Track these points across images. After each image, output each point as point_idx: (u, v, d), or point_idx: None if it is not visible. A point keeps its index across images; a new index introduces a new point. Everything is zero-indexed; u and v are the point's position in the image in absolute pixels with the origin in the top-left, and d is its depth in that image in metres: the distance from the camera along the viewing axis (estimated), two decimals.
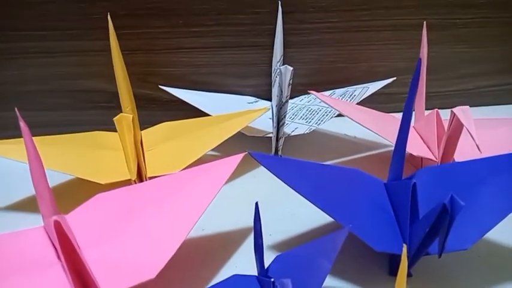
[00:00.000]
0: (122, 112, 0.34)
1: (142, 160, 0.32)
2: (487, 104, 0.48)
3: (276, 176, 0.28)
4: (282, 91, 0.35)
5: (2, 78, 0.40)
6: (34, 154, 0.25)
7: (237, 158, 0.29)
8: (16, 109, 0.24)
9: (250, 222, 0.33)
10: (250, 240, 0.32)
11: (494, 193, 0.27)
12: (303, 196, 0.27)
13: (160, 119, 0.40)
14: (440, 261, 0.29)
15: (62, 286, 0.22)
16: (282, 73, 0.34)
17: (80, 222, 0.25)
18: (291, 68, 0.34)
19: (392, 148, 0.42)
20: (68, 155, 0.33)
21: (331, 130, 0.44)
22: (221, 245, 0.32)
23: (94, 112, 0.42)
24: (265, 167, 0.28)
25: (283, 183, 0.28)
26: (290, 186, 0.28)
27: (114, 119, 0.30)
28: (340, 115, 0.40)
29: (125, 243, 0.25)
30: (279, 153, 0.40)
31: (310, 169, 0.29)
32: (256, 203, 0.25)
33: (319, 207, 0.27)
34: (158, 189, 0.28)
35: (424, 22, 0.36)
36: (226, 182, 0.29)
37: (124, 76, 0.35)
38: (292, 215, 0.34)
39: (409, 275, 0.29)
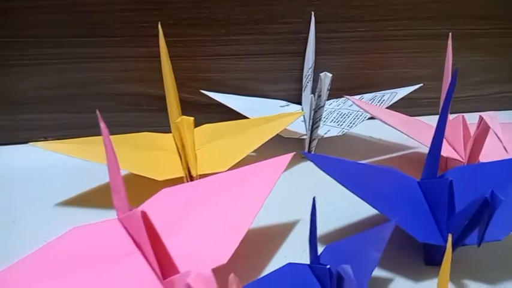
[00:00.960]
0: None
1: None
2: (498, 108, 0.51)
3: (326, 173, 0.31)
4: (319, 96, 0.38)
5: (51, 82, 0.42)
6: (111, 152, 0.27)
7: (287, 157, 0.32)
8: (97, 111, 0.27)
9: (293, 217, 0.37)
10: (294, 233, 0.35)
11: None
12: (351, 191, 0.30)
13: (199, 122, 0.43)
14: (474, 252, 0.32)
15: (144, 272, 0.25)
16: (322, 79, 0.37)
17: (152, 214, 0.27)
18: (331, 75, 0.37)
19: (416, 150, 0.44)
20: (124, 154, 0.35)
21: (357, 133, 0.47)
22: (269, 238, 0.34)
23: (135, 114, 0.45)
24: (316, 165, 0.31)
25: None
26: (340, 183, 0.30)
27: (176, 120, 0.33)
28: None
29: (193, 233, 0.27)
30: (312, 152, 0.43)
31: (355, 167, 0.32)
32: (314, 198, 0.28)
33: (367, 202, 0.30)
34: (217, 186, 0.30)
35: (450, 33, 0.39)
36: None
37: (172, 81, 0.38)
38: (333, 209, 0.36)
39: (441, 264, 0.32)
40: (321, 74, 0.37)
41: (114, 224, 0.28)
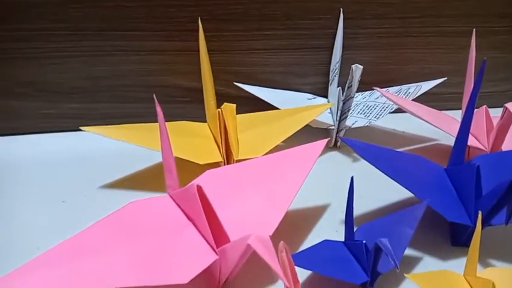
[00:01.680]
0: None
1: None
2: None
3: (361, 155, 0.33)
4: (349, 86, 0.41)
5: (93, 73, 0.45)
6: (165, 134, 0.30)
7: (322, 143, 0.34)
8: (154, 96, 0.29)
9: (324, 201, 0.39)
10: (326, 215, 0.37)
11: None
12: (386, 174, 0.32)
13: None
14: (501, 232, 0.34)
15: (199, 243, 0.27)
16: (353, 70, 0.39)
17: None
18: (362, 67, 0.39)
19: (438, 142, 0.46)
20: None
21: (381, 126, 0.49)
22: (303, 219, 0.37)
23: (171, 106, 0.47)
24: (354, 149, 0.33)
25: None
26: (374, 165, 0.33)
27: (222, 107, 0.35)
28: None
29: (240, 208, 0.30)
30: (338, 144, 0.45)
31: (386, 151, 0.34)
32: (352, 177, 0.30)
33: (399, 182, 0.32)
34: (258, 167, 0.33)
35: (474, 29, 0.41)
36: None
37: (209, 73, 0.41)
38: (360, 196, 0.38)
39: (469, 245, 0.34)
40: (353, 66, 0.39)
41: (166, 199, 0.30)
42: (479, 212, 0.28)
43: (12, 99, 0.45)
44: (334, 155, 0.45)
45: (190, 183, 0.27)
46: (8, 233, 0.34)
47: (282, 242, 0.24)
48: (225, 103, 0.36)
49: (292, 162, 0.33)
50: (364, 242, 0.29)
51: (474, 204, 0.32)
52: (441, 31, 0.48)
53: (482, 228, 0.32)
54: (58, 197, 0.38)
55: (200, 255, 0.26)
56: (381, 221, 0.32)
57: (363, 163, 0.35)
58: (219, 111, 0.35)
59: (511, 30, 0.50)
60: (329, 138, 0.35)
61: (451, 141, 0.42)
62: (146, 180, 0.40)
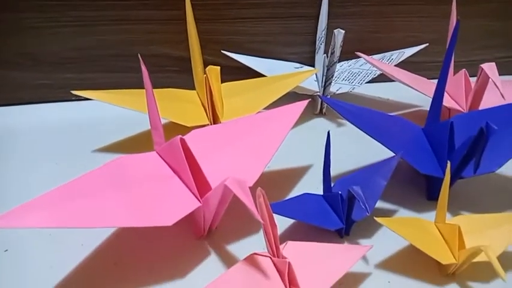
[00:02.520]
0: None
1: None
2: (504, 73, 0.54)
3: (340, 113, 0.35)
4: (332, 52, 0.42)
5: (84, 44, 0.46)
6: (150, 93, 0.32)
7: (303, 103, 0.36)
8: (139, 55, 0.31)
9: (307, 162, 0.41)
10: (308, 175, 0.39)
11: None
12: (364, 132, 0.34)
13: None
14: (472, 186, 0.36)
15: (183, 191, 0.29)
16: (335, 35, 0.41)
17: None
18: (343, 32, 0.40)
19: (421, 108, 0.48)
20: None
21: (367, 94, 0.51)
22: (286, 178, 0.39)
23: (161, 75, 0.49)
24: (333, 108, 0.35)
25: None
26: (352, 122, 0.34)
27: (207, 68, 0.37)
28: (372, 81, 0.47)
29: (223, 161, 0.32)
30: (324, 111, 0.47)
31: (366, 111, 0.36)
32: (328, 132, 0.32)
33: (375, 139, 0.34)
34: (241, 125, 0.35)
35: None
36: None
37: (197, 41, 0.42)
38: (343, 159, 0.40)
39: None
40: (335, 31, 0.41)
41: (153, 155, 0.32)
42: (448, 162, 0.30)
43: (6, 70, 0.46)
44: (320, 121, 0.47)
45: (173, 138, 0.29)
46: (4, 193, 0.37)
47: (259, 188, 0.26)
48: (210, 66, 0.37)
49: (274, 121, 0.35)
50: (339, 192, 0.31)
51: (447, 159, 0.34)
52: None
53: (454, 181, 0.34)
54: (52, 160, 0.40)
55: (184, 202, 0.29)
56: (357, 174, 0.34)
57: (348, 128, 0.37)
58: (201, 79, 0.37)
59: None
60: (310, 100, 0.37)
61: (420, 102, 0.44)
62: (137, 144, 0.42)
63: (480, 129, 0.30)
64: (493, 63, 0.38)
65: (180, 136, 0.29)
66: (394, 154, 0.34)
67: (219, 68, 0.37)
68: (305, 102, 0.36)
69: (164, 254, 0.31)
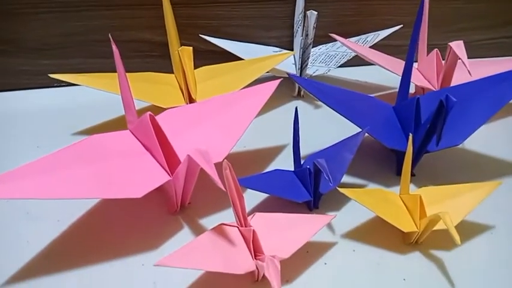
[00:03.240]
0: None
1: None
2: (481, 56, 0.55)
3: (310, 93, 0.36)
4: (307, 34, 0.43)
5: (65, 30, 0.47)
6: (122, 71, 0.33)
7: (275, 83, 0.37)
8: (110, 35, 0.32)
9: (283, 142, 0.42)
10: (283, 154, 0.41)
11: (479, 104, 0.35)
12: (332, 108, 0.35)
13: (198, 65, 0.48)
14: (435, 163, 0.37)
15: (154, 166, 0.31)
16: (308, 17, 0.42)
17: (160, 123, 0.32)
18: (316, 13, 0.41)
19: (396, 90, 0.49)
20: (133, 86, 0.39)
21: (346, 77, 0.52)
22: (262, 156, 0.40)
23: (141, 60, 0.50)
24: (302, 87, 0.36)
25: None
26: (323, 101, 0.36)
27: (179, 49, 0.38)
28: (351, 65, 0.48)
29: (195, 138, 0.33)
30: (301, 93, 0.48)
31: (337, 91, 0.37)
32: (296, 108, 0.33)
33: (344, 116, 0.35)
34: (213, 105, 0.36)
35: None
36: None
37: (173, 24, 0.43)
38: (317, 138, 0.41)
39: (412, 174, 0.37)
40: (307, 12, 0.42)
41: (126, 133, 0.33)
42: (410, 135, 0.31)
43: None
44: (298, 103, 0.48)
45: (143, 115, 0.30)
46: None
47: (225, 160, 0.27)
48: (182, 46, 0.38)
49: (245, 99, 0.36)
50: (308, 167, 0.33)
51: (413, 134, 0.35)
52: None
53: (420, 155, 0.36)
54: (33, 144, 0.41)
55: (154, 176, 0.30)
56: (326, 149, 0.35)
57: (324, 110, 0.38)
58: (177, 59, 0.38)
59: None
60: (281, 79, 0.38)
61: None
62: (115, 126, 0.42)
63: (440, 102, 0.31)
64: (461, 42, 0.39)
65: (150, 113, 0.30)
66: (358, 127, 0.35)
67: (191, 48, 0.38)
68: (276, 82, 0.37)
69: (138, 228, 0.33)
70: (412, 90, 0.49)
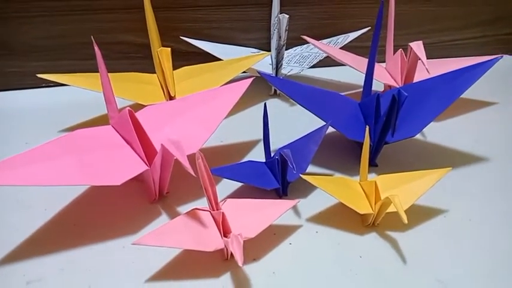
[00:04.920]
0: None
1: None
2: (449, 56, 0.59)
3: (279, 89, 0.39)
4: (280, 36, 0.46)
5: (51, 33, 0.50)
6: (104, 70, 0.36)
7: (248, 81, 0.41)
8: (92, 37, 0.35)
9: (258, 137, 0.45)
10: (257, 148, 0.44)
11: (433, 99, 0.39)
12: (299, 104, 0.39)
13: (179, 66, 0.51)
14: (398, 154, 0.41)
15: (133, 157, 0.34)
16: (280, 20, 0.45)
17: (139, 119, 0.35)
18: (287, 16, 0.45)
19: None
20: (116, 85, 0.42)
21: (320, 77, 0.56)
22: (237, 150, 0.43)
23: (126, 62, 0.53)
24: (272, 84, 0.39)
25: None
26: (290, 97, 0.39)
27: (158, 50, 0.41)
28: (326, 65, 0.52)
29: (172, 131, 0.36)
30: (277, 92, 0.52)
31: (305, 88, 0.40)
32: (265, 104, 0.36)
33: (311, 111, 0.39)
34: (189, 101, 0.39)
35: None
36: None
37: (154, 26, 0.46)
38: (291, 134, 0.44)
39: (375, 165, 0.41)
40: (280, 15, 0.45)
41: (107, 128, 0.37)
42: (366, 127, 0.34)
43: None
44: (274, 101, 0.52)
45: (123, 110, 0.33)
46: None
47: (198, 150, 0.30)
48: (161, 47, 0.42)
49: (220, 96, 0.39)
50: (277, 157, 0.36)
51: (374, 127, 0.38)
52: None
53: (380, 146, 0.39)
54: (22, 140, 0.44)
55: (133, 165, 0.33)
56: (294, 142, 0.38)
57: (297, 108, 0.41)
58: (158, 52, 0.41)
59: None
60: (254, 77, 0.41)
61: (379, 86, 0.49)
62: (99, 123, 0.45)
63: (392, 96, 0.34)
64: (420, 42, 0.42)
65: (129, 108, 0.33)
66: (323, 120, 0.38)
67: (169, 49, 0.41)
68: (249, 81, 0.41)
69: (119, 216, 0.36)
70: (381, 87, 0.53)
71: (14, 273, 0.31)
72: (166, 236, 0.30)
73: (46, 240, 0.34)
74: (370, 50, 0.40)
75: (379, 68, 0.50)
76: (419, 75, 0.45)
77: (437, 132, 0.45)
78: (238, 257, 0.27)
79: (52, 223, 0.35)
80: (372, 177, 0.37)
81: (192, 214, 0.31)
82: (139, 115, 0.36)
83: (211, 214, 0.31)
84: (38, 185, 0.30)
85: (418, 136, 0.44)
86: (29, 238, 0.34)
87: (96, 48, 0.35)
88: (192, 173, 0.29)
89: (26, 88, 0.52)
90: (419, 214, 0.36)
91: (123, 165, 0.33)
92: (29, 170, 0.30)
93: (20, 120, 0.47)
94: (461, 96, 0.39)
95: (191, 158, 0.31)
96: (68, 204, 0.36)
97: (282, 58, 0.49)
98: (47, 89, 0.52)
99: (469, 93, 0.42)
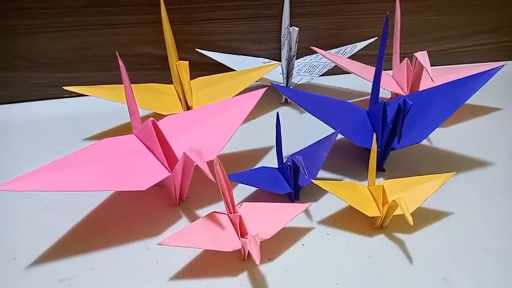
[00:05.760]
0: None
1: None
2: (454, 63, 0.61)
3: (290, 99, 0.41)
4: (290, 48, 0.49)
5: (75, 46, 0.53)
6: (128, 82, 0.38)
7: (261, 91, 0.43)
8: (117, 52, 0.38)
9: (269, 144, 0.47)
10: (270, 154, 0.46)
11: (437, 107, 0.41)
12: (309, 112, 0.41)
13: (195, 76, 0.54)
14: (405, 160, 0.43)
15: (156, 164, 0.36)
16: (291, 32, 0.48)
17: (160, 127, 0.38)
18: (297, 29, 0.47)
19: None
20: (137, 95, 0.45)
21: (329, 85, 0.58)
22: (250, 157, 0.46)
23: (143, 73, 0.56)
24: (283, 93, 0.41)
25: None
26: (300, 106, 0.41)
27: (177, 63, 0.43)
28: (334, 73, 0.54)
29: (191, 139, 0.38)
30: (288, 100, 0.54)
31: (315, 97, 0.43)
32: (277, 113, 0.39)
33: (319, 119, 0.41)
34: (206, 111, 0.42)
35: None
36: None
37: (172, 40, 0.49)
38: (302, 141, 0.46)
39: (382, 170, 0.43)
40: (290, 28, 0.48)
41: (131, 137, 0.39)
42: (374, 134, 0.36)
43: (6, 71, 0.53)
44: (285, 109, 0.54)
45: (146, 120, 0.36)
46: (11, 176, 0.43)
47: (216, 157, 0.32)
48: (180, 61, 0.44)
49: (235, 105, 0.42)
50: (289, 163, 0.38)
51: (381, 133, 0.40)
52: None
53: (387, 152, 0.41)
54: (51, 148, 0.47)
55: (156, 172, 0.35)
56: (305, 149, 0.41)
57: (307, 115, 0.43)
58: (176, 70, 0.44)
59: None
60: (266, 88, 0.44)
61: (386, 94, 0.51)
62: (121, 132, 0.48)
63: (398, 105, 0.36)
64: (425, 52, 0.44)
65: (152, 119, 0.35)
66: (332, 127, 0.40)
67: (187, 62, 0.44)
68: (262, 90, 0.43)
69: (142, 218, 0.38)
70: (389, 95, 0.55)
71: (47, 272, 0.34)
72: (188, 237, 0.32)
73: (76, 242, 0.36)
74: (377, 59, 0.42)
75: (386, 76, 0.52)
76: (425, 83, 0.47)
77: (442, 138, 0.47)
78: (256, 256, 0.29)
79: (81, 225, 0.37)
80: (380, 181, 0.39)
81: (211, 217, 0.34)
82: (160, 124, 0.39)
83: (228, 217, 0.34)
84: (69, 191, 0.33)
85: (424, 142, 0.46)
86: (60, 239, 0.36)
87: (120, 62, 0.38)
88: (212, 178, 0.31)
89: (50, 98, 0.55)
90: (426, 216, 0.38)
91: (147, 172, 0.35)
92: (60, 176, 0.32)
93: (46, 130, 0.50)
94: (465, 102, 0.41)
95: (209, 164, 0.33)
96: (95, 208, 0.39)
97: (293, 68, 0.51)
98: (70, 99, 0.55)
99: (473, 100, 0.44)
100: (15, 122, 0.51)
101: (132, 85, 0.44)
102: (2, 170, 0.44)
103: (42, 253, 0.35)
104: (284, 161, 0.41)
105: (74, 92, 0.49)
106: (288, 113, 0.53)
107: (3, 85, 0.54)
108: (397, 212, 0.34)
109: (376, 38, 0.56)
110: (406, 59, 0.49)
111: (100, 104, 0.49)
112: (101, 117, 0.51)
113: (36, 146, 0.47)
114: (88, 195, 0.38)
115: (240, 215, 0.32)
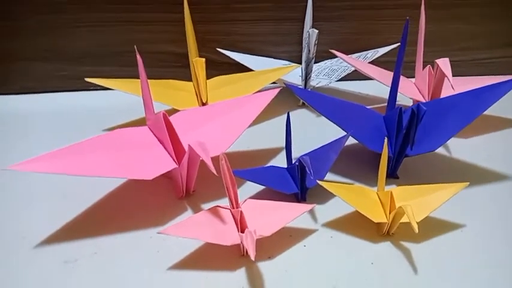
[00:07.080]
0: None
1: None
2: (482, 73, 0.59)
3: (304, 100, 0.41)
4: (309, 50, 0.49)
5: (101, 42, 0.55)
6: (144, 76, 0.39)
7: (274, 91, 0.43)
8: (135, 47, 0.39)
9: (280, 144, 0.47)
10: (281, 154, 0.46)
11: (456, 114, 0.39)
12: (321, 114, 0.41)
13: (213, 75, 0.54)
14: (420, 168, 0.41)
15: (164, 155, 0.37)
16: (310, 35, 0.48)
17: (173, 122, 0.39)
18: (317, 31, 0.47)
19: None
20: (155, 91, 0.45)
21: (348, 89, 0.57)
22: (261, 156, 0.46)
23: (165, 70, 0.57)
24: (297, 95, 0.41)
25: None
26: (314, 108, 0.41)
27: (194, 59, 0.44)
28: (355, 79, 0.53)
29: (201, 133, 0.39)
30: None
31: (330, 100, 0.42)
32: (288, 113, 0.39)
33: (332, 121, 0.40)
34: (219, 107, 0.42)
35: (423, 1, 0.48)
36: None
37: (193, 39, 0.50)
38: (316, 143, 0.46)
39: (396, 177, 0.42)
40: (309, 30, 0.48)
41: (144, 129, 0.40)
42: (385, 139, 0.36)
43: (34, 62, 0.56)
44: (301, 111, 0.54)
45: (158, 113, 0.37)
46: None
47: (222, 152, 0.33)
48: (196, 58, 0.45)
49: (248, 103, 0.42)
50: (297, 164, 0.38)
51: (395, 139, 0.39)
52: (402, 4, 0.55)
53: (401, 159, 0.40)
54: (68, 139, 0.48)
55: (163, 163, 0.36)
56: (315, 150, 0.40)
57: (324, 120, 0.42)
58: (194, 62, 0.45)
59: (474, 2, 0.57)
60: (280, 88, 0.44)
61: (407, 101, 0.50)
62: (138, 125, 0.50)
63: (412, 110, 0.35)
64: (447, 59, 0.43)
65: (163, 111, 0.36)
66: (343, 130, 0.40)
67: (203, 59, 0.45)
68: (275, 91, 0.43)
69: (149, 209, 0.39)
70: (410, 102, 0.53)
71: (53, 253, 0.35)
72: (188, 228, 0.32)
73: (82, 227, 0.37)
74: (396, 64, 0.42)
75: (408, 83, 0.51)
76: (447, 92, 0.45)
77: (461, 149, 0.45)
78: (251, 251, 0.29)
79: (89, 212, 0.39)
80: (392, 188, 0.38)
81: (214, 210, 0.34)
82: (172, 118, 0.39)
83: (231, 212, 0.34)
84: (78, 175, 0.34)
85: (442, 151, 0.44)
86: (68, 224, 0.38)
87: (138, 56, 0.39)
88: (214, 171, 0.32)
89: (75, 90, 0.58)
90: (437, 226, 0.36)
91: (155, 162, 0.36)
92: (71, 160, 0.34)
93: (66, 121, 0.52)
94: (485, 113, 0.40)
95: (216, 159, 0.33)
96: (104, 197, 0.40)
97: (311, 70, 0.51)
98: (94, 92, 0.57)
99: (492, 110, 0.42)
100: (38, 111, 0.53)
101: (152, 80, 0.45)
102: (22, 157, 0.46)
103: (50, 235, 0.36)
104: (293, 162, 0.40)
105: (97, 85, 0.51)
106: (305, 116, 0.53)
107: (28, 76, 0.56)
108: (405, 219, 0.33)
109: (399, 44, 0.54)
110: (429, 66, 0.48)
111: (122, 97, 0.50)
112: (122, 111, 0.52)
113: (54, 137, 0.48)
114: (98, 184, 0.40)
115: (241, 211, 0.32)
